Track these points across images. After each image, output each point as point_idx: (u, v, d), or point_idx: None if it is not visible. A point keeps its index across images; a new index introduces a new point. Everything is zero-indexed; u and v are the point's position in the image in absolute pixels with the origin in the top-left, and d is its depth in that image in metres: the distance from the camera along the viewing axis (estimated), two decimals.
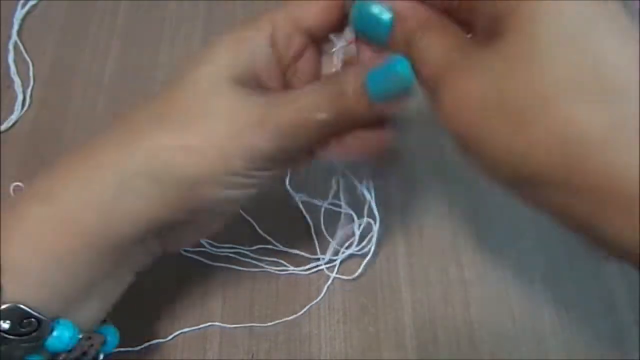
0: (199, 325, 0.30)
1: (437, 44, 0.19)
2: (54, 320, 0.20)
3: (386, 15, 0.20)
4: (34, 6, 0.42)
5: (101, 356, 0.24)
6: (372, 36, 0.21)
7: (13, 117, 0.37)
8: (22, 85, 0.38)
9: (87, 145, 0.21)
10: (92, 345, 0.23)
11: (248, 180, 0.21)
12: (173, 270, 0.31)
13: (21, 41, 0.40)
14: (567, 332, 0.29)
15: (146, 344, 0.29)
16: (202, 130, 0.20)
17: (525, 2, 0.17)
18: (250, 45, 0.21)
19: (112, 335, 0.24)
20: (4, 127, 0.36)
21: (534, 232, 0.32)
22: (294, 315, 0.30)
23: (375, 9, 0.20)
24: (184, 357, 0.29)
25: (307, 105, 0.21)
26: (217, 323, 0.30)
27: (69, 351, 0.21)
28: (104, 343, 0.23)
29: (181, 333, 0.30)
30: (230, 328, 0.30)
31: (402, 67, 0.20)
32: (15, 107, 0.37)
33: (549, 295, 0.30)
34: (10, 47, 0.39)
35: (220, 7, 0.42)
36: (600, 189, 0.16)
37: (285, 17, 0.22)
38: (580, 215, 0.17)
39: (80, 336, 0.21)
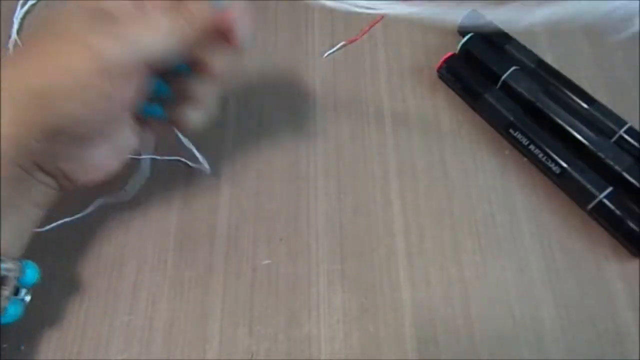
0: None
1: None
2: None
3: None
4: (33, 6, 0.42)
5: (23, 292, 0.25)
6: None
7: None
8: None
9: None
10: (10, 270, 0.24)
11: (102, 102, 0.23)
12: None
13: (21, 41, 0.40)
14: (567, 332, 0.29)
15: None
16: (52, 55, 0.23)
17: None
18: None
19: (31, 269, 0.25)
20: None
21: (534, 232, 0.32)
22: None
23: None
24: (184, 357, 0.29)
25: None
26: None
27: None
28: (23, 274, 0.25)
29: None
30: (230, 328, 0.30)
31: None
32: None
33: (549, 295, 0.30)
34: (10, 46, 0.39)
35: None
36: None
37: None
38: None
39: None
